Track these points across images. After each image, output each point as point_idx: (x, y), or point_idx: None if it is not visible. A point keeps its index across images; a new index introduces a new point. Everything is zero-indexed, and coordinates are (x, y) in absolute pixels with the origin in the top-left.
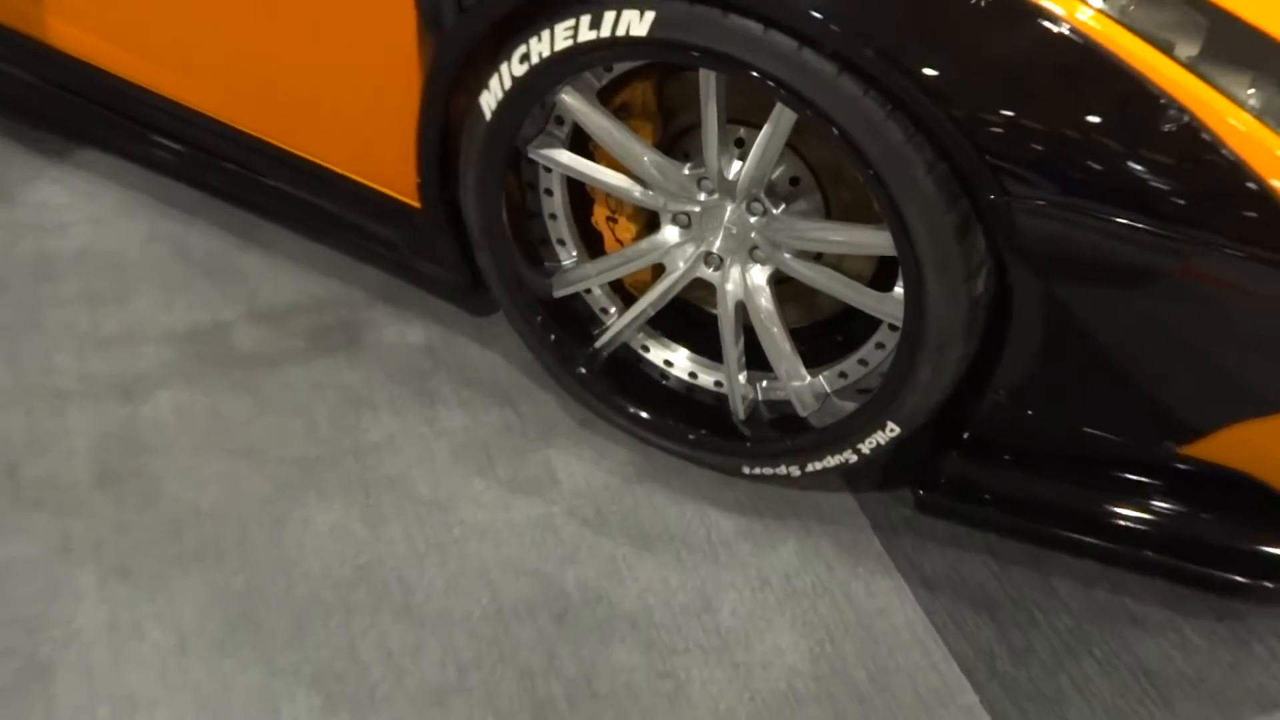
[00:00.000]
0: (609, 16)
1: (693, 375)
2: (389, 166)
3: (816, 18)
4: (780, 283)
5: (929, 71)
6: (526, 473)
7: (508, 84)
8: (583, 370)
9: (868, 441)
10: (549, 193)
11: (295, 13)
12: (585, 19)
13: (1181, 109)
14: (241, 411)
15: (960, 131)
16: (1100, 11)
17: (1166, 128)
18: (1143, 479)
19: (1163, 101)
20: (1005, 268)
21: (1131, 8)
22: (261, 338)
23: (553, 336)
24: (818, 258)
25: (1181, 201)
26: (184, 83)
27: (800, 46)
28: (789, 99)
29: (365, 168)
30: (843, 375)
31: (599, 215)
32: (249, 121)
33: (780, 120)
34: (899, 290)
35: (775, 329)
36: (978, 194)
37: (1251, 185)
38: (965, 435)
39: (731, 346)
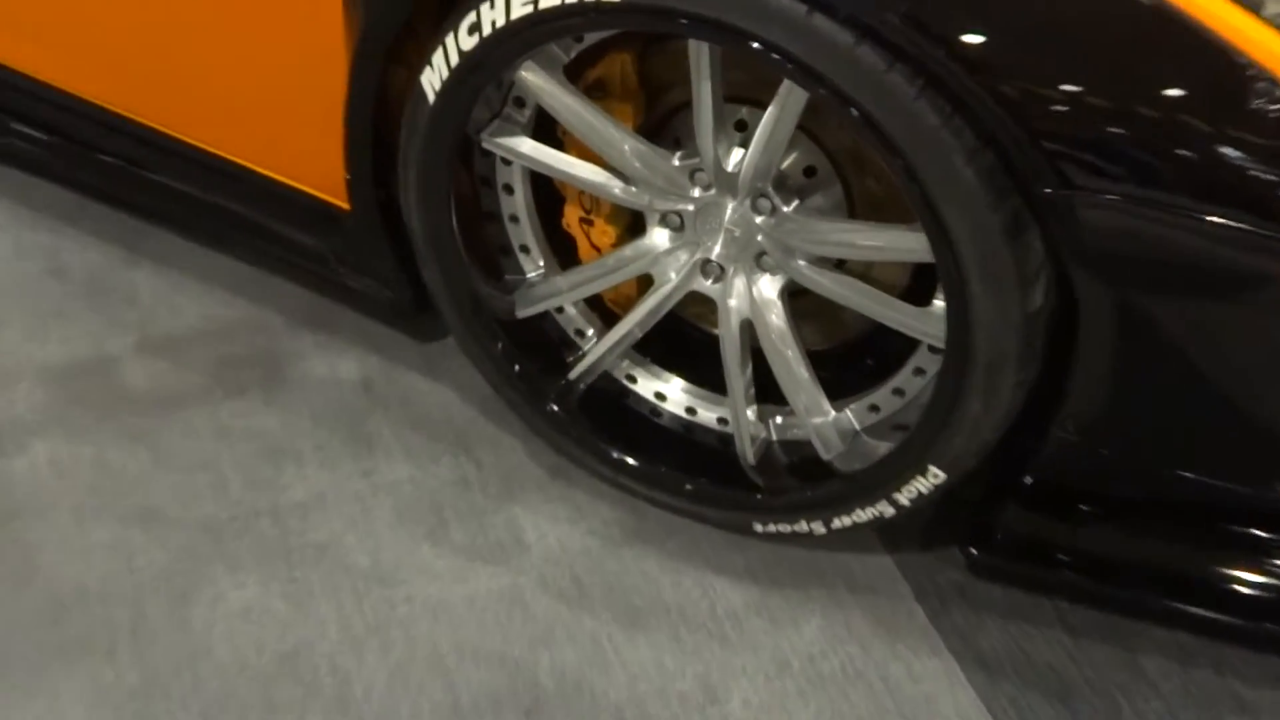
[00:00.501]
0: None
1: (691, 411)
2: (311, 158)
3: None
4: (795, 296)
5: (968, 38)
6: (487, 536)
7: (455, 60)
8: (554, 407)
9: (906, 490)
10: (509, 190)
11: None
12: None
13: (1272, 80)
14: (134, 466)
15: (1008, 111)
16: None
17: (1258, 104)
18: (1253, 531)
19: (1252, 72)
20: (1068, 276)
21: None
22: (157, 374)
23: (517, 367)
24: (839, 265)
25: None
26: (47, 56)
27: (810, 10)
28: (798, 75)
29: (281, 160)
30: (874, 409)
31: (571, 216)
32: (132, 104)
33: (789, 100)
34: (939, 304)
35: (790, 353)
36: (1032, 187)
37: None
38: (1027, 481)
39: (737, 375)
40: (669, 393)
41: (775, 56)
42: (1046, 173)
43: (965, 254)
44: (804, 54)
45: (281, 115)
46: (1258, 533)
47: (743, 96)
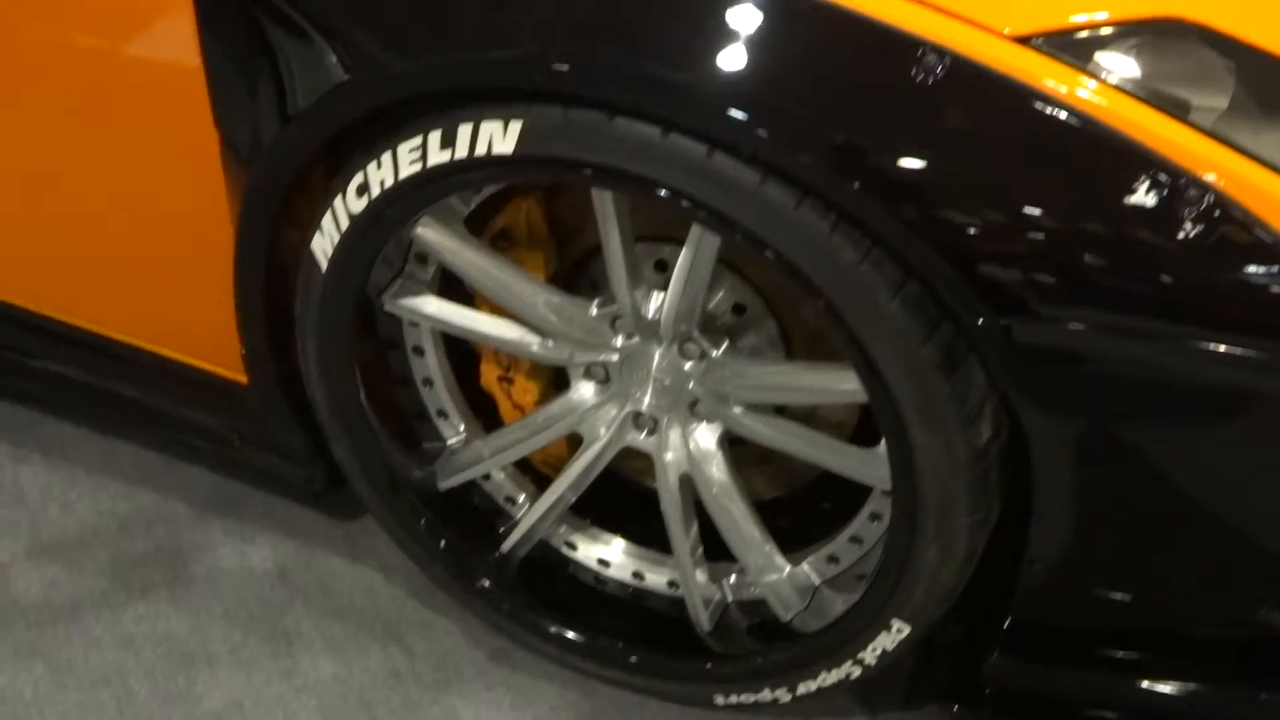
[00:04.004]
0: (464, 132)
1: (638, 576)
2: (203, 332)
3: (737, 119)
4: (738, 443)
5: (882, 169)
6: None
7: (345, 223)
8: (486, 583)
9: (871, 648)
10: (419, 352)
11: (60, 136)
12: (435, 136)
13: (1204, 187)
14: (29, 686)
15: (930, 242)
16: (1082, 70)
17: (1188, 211)
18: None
19: (1181, 181)
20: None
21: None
22: (51, 581)
23: (443, 542)
24: (781, 410)
25: (1226, 304)
26: None
27: (711, 151)
28: (705, 218)
29: (171, 337)
30: (833, 560)
31: (489, 375)
32: (5, 287)
33: (703, 241)
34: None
35: (735, 507)
36: (963, 317)
37: None
38: (1006, 625)
39: (681, 535)
40: (612, 558)
41: (680, 201)
42: (974, 300)
43: (900, 393)
44: (708, 197)
45: (167, 288)
46: (1258, 661)
47: (661, 235)
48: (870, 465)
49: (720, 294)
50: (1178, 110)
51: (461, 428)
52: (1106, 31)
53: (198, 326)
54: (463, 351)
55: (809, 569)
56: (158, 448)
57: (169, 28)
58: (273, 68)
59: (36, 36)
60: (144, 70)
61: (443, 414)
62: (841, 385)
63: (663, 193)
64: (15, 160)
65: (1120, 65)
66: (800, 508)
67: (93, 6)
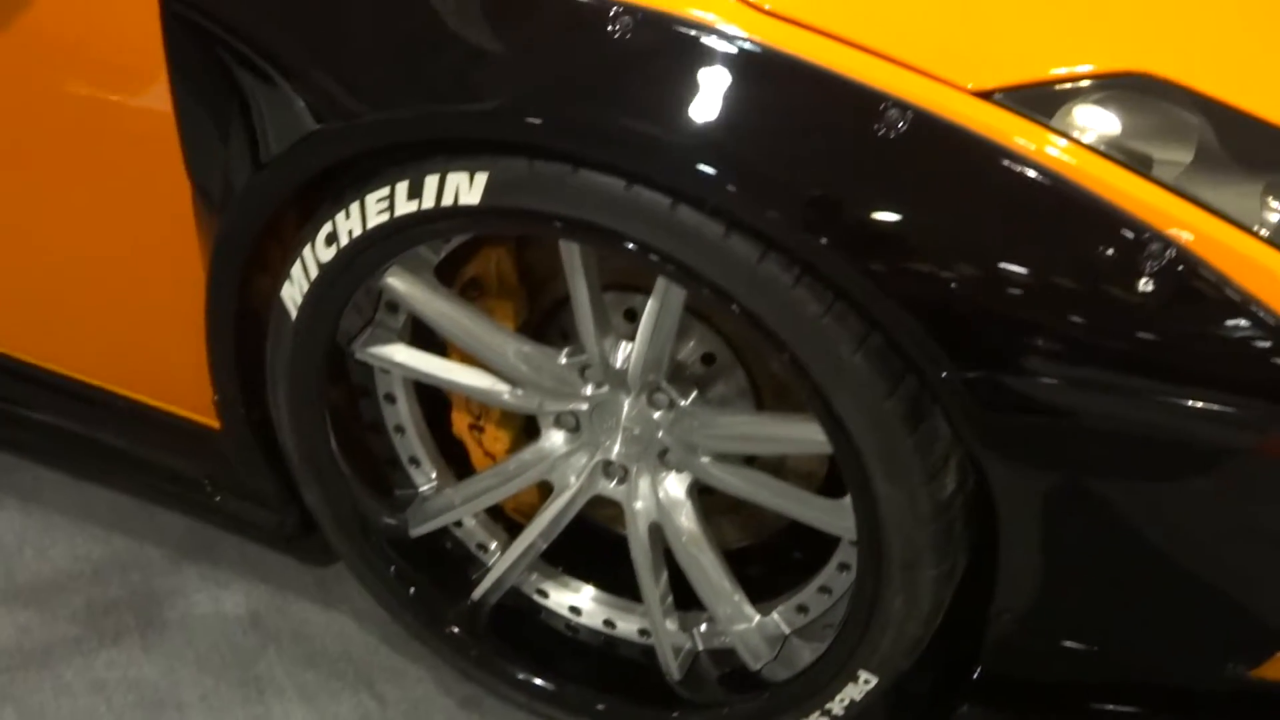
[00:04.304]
0: (430, 183)
1: (609, 624)
2: (175, 377)
3: (707, 174)
4: (708, 492)
5: (845, 222)
6: None
7: (314, 272)
8: (456, 630)
9: (839, 699)
10: (390, 399)
11: (33, 183)
12: (401, 187)
13: (1167, 242)
14: None
15: (893, 295)
16: (1046, 125)
17: (1152, 267)
18: (1227, 713)
19: (1145, 236)
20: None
21: (1101, 121)
22: (24, 626)
23: (412, 589)
24: (750, 460)
25: (1191, 359)
26: None
27: (674, 204)
28: (668, 270)
29: (145, 382)
30: (802, 609)
31: (459, 423)
32: None
33: (669, 293)
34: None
35: (704, 557)
36: (926, 370)
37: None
38: (975, 675)
39: (651, 584)
40: (583, 605)
41: (645, 254)
42: (937, 354)
43: (863, 445)
44: (672, 249)
45: (140, 333)
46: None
47: (631, 284)
48: (836, 516)
49: (690, 344)
50: (1142, 165)
51: (433, 475)
52: (1070, 86)
53: (171, 371)
54: (434, 398)
55: (778, 618)
56: (134, 493)
57: (141, 74)
58: (244, 115)
59: (8, 84)
60: (115, 116)
61: (415, 461)
62: (809, 436)
63: (628, 245)
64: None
65: (1084, 120)
66: (772, 556)
67: (66, 54)
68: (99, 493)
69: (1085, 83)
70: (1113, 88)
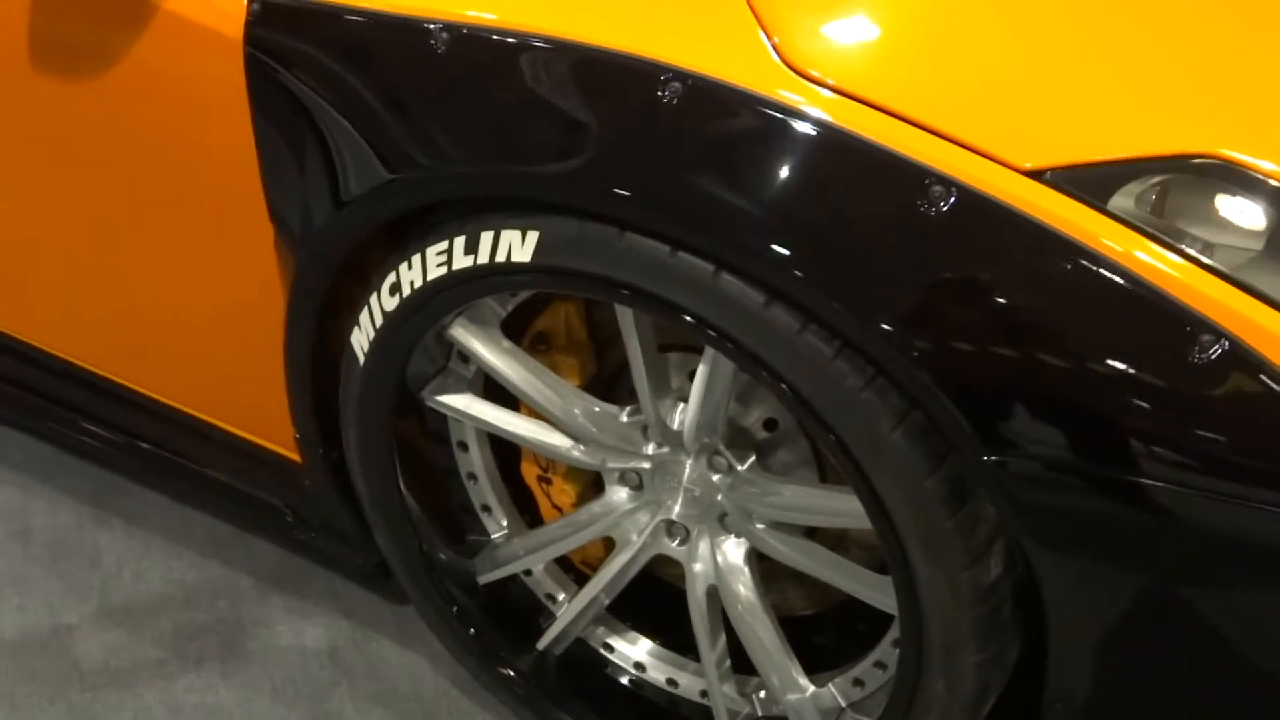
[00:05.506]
0: (486, 239)
1: (672, 682)
2: (263, 411)
3: (781, 255)
4: (768, 559)
5: (886, 298)
6: None
7: (379, 320)
8: (520, 677)
9: None
10: (464, 446)
11: (130, 227)
12: (459, 242)
13: (1220, 334)
14: None
15: (931, 375)
16: (1098, 208)
17: (1199, 359)
18: None
19: (1196, 328)
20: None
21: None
22: (112, 646)
23: (472, 631)
24: (811, 532)
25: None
26: (15, 311)
27: (716, 271)
28: (707, 335)
29: (236, 414)
30: (858, 684)
31: (529, 474)
32: (91, 356)
33: (719, 357)
34: None
35: (759, 625)
36: (968, 452)
37: None
38: None
39: (708, 647)
40: (647, 661)
41: (685, 318)
42: (981, 440)
43: (902, 525)
44: (711, 315)
45: (230, 367)
46: None
47: (695, 346)
48: (884, 592)
49: (754, 408)
50: (1203, 252)
51: (504, 523)
52: (1128, 168)
53: (258, 405)
54: (508, 446)
55: (834, 691)
56: (231, 521)
57: (225, 112)
58: (325, 156)
59: (100, 124)
60: (201, 154)
61: (487, 509)
62: (855, 511)
63: (670, 310)
64: (100, 246)
65: (1139, 203)
66: (840, 625)
67: (153, 93)
68: (200, 519)
69: (1145, 164)
70: (1174, 170)
